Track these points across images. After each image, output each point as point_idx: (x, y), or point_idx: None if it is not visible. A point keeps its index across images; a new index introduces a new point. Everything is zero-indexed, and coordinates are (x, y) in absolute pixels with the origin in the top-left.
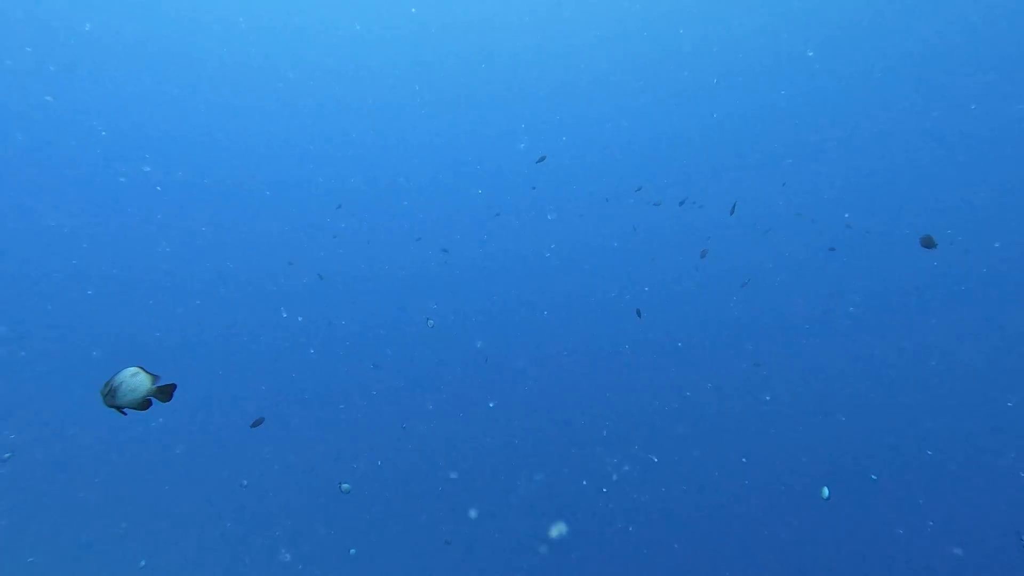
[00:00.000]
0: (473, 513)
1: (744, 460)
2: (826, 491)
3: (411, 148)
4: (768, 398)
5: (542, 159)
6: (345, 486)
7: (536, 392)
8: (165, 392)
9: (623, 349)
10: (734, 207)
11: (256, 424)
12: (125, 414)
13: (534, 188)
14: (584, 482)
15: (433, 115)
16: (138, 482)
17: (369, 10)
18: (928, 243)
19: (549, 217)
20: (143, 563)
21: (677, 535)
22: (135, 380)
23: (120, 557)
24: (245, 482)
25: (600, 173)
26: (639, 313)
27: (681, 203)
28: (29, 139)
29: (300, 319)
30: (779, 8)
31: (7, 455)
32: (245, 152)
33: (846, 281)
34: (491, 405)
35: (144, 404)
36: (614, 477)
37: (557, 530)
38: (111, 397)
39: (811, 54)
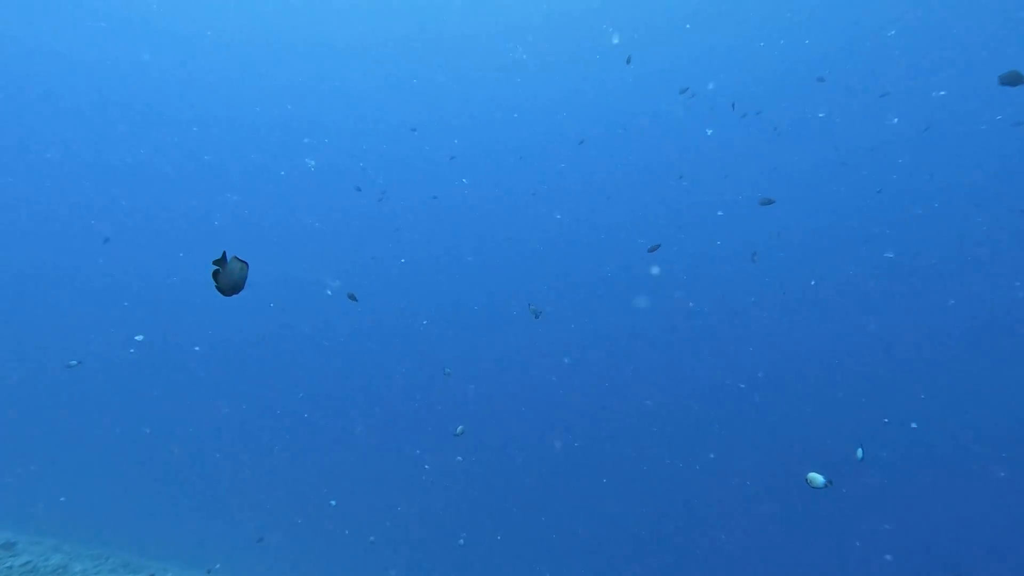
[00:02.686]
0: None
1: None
2: (860, 452)
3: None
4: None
5: (629, 59)
6: (460, 428)
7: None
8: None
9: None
10: (755, 255)
11: (351, 297)
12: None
13: (582, 142)
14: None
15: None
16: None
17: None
18: (1014, 79)
19: (558, 216)
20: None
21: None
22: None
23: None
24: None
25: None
26: (654, 248)
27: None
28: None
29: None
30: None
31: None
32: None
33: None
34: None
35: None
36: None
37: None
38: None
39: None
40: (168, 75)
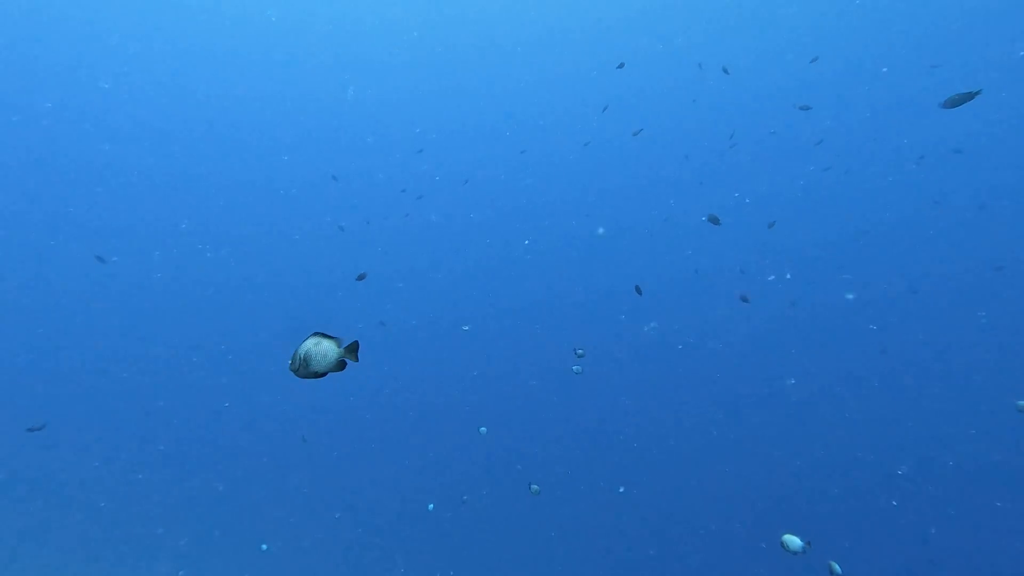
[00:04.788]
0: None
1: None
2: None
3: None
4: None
5: (621, 65)
6: (534, 488)
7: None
8: (352, 351)
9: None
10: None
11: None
12: (322, 375)
13: (587, 144)
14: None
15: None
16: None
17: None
18: (957, 101)
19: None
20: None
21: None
22: (321, 348)
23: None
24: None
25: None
26: (638, 290)
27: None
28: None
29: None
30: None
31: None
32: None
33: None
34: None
35: (340, 366)
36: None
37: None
38: (305, 367)
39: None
40: (183, 88)
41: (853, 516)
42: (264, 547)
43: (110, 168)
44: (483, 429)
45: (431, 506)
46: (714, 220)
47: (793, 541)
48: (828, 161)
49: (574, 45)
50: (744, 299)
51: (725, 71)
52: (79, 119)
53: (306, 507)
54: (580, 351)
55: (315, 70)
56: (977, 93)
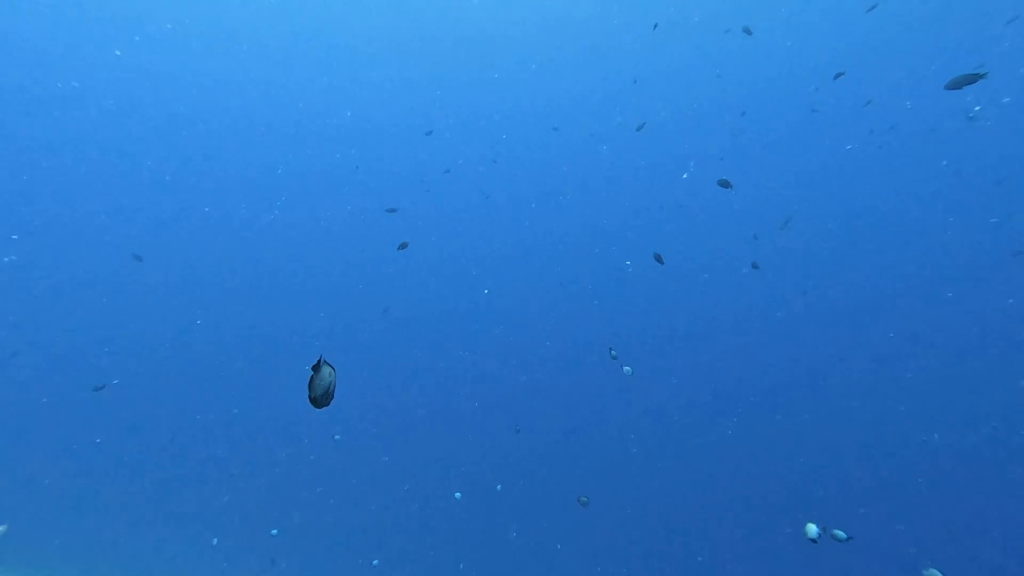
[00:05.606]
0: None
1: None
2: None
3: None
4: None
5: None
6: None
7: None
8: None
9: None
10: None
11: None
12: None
13: (593, 139)
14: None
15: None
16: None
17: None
18: (961, 82)
19: (685, 175)
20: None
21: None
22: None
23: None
24: (337, 436)
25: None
26: (657, 260)
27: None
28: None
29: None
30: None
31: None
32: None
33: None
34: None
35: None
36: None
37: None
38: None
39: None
40: (184, 79)
41: (873, 506)
42: (274, 532)
43: (131, 163)
44: (518, 429)
45: (458, 495)
46: (725, 184)
47: (811, 529)
48: (858, 139)
49: (593, 24)
50: (754, 266)
51: (747, 31)
52: (103, 112)
53: (327, 495)
54: (614, 352)
55: (329, 60)
56: (983, 76)
